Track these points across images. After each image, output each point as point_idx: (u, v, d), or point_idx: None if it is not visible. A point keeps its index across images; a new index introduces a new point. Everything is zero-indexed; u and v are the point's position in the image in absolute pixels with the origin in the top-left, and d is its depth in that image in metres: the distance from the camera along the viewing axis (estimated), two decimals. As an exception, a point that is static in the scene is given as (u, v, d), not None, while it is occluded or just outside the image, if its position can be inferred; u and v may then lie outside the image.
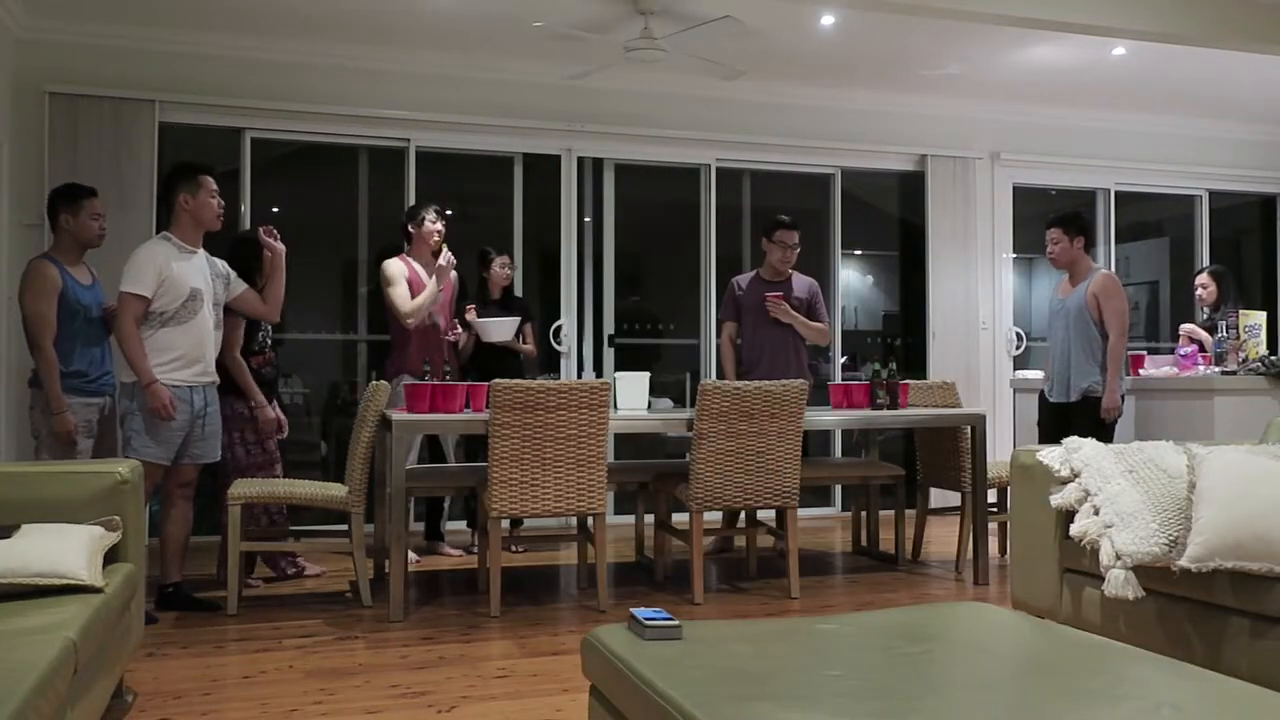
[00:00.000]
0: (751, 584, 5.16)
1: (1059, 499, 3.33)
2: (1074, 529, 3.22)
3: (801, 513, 7.46)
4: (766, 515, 5.71)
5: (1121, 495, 3.13)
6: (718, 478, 4.69)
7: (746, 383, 4.68)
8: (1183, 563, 2.84)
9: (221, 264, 4.73)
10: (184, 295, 4.40)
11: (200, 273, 4.51)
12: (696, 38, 5.69)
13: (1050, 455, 3.44)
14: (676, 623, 2.32)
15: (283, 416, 5.15)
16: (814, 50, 6.65)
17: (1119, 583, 3.03)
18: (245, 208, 6.49)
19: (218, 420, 4.64)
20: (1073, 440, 3.44)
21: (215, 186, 4.59)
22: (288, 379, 7.23)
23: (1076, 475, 3.32)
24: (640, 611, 2.37)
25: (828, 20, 6.09)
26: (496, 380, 4.36)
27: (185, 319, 4.41)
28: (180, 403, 4.38)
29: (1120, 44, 6.43)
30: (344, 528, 4.73)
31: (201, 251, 4.58)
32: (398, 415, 4.52)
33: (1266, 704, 1.89)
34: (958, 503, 5.62)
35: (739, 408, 4.65)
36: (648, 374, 5.19)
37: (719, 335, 6.12)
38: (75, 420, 4.39)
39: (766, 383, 4.70)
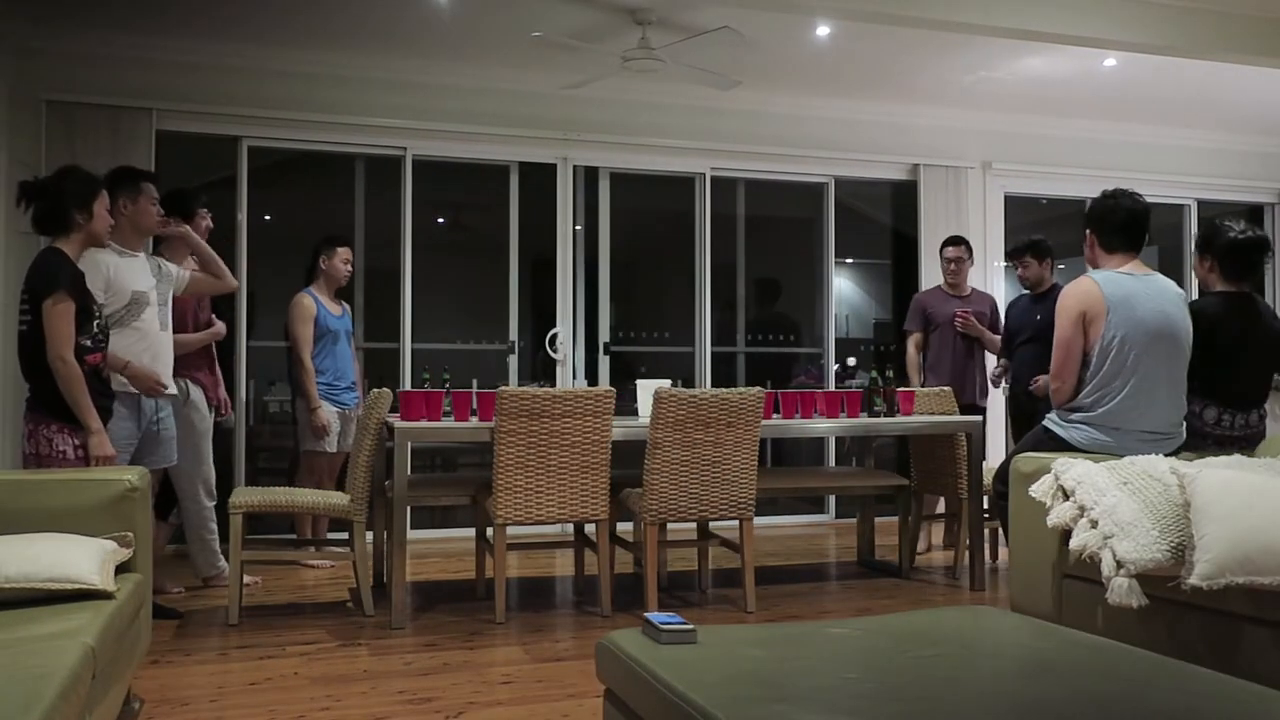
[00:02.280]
0: (708, 598, 5.13)
1: (1054, 518, 3.35)
2: (1073, 544, 3.22)
3: (795, 520, 7.58)
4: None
5: (1119, 506, 3.15)
6: (672, 488, 4.60)
7: (703, 390, 4.63)
8: (1193, 581, 2.85)
9: (160, 261, 4.68)
10: (125, 299, 4.33)
11: (143, 274, 4.46)
12: (693, 48, 5.73)
13: (1039, 488, 3.44)
14: (691, 627, 2.34)
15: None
16: (809, 61, 6.71)
17: (1122, 591, 3.05)
18: (242, 215, 6.50)
19: (172, 425, 4.59)
20: (1062, 462, 3.45)
21: (156, 194, 4.55)
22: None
23: (1070, 495, 3.34)
24: (655, 616, 2.39)
25: (823, 31, 6.14)
26: (503, 388, 4.39)
27: (128, 322, 4.33)
28: (125, 409, 4.27)
29: (1111, 55, 6.50)
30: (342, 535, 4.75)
31: (142, 254, 4.54)
32: (400, 423, 4.54)
33: (1272, 703, 1.93)
34: (946, 509, 5.67)
35: (695, 416, 4.56)
36: (667, 381, 5.20)
37: (901, 343, 6.66)
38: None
39: (724, 391, 4.63)
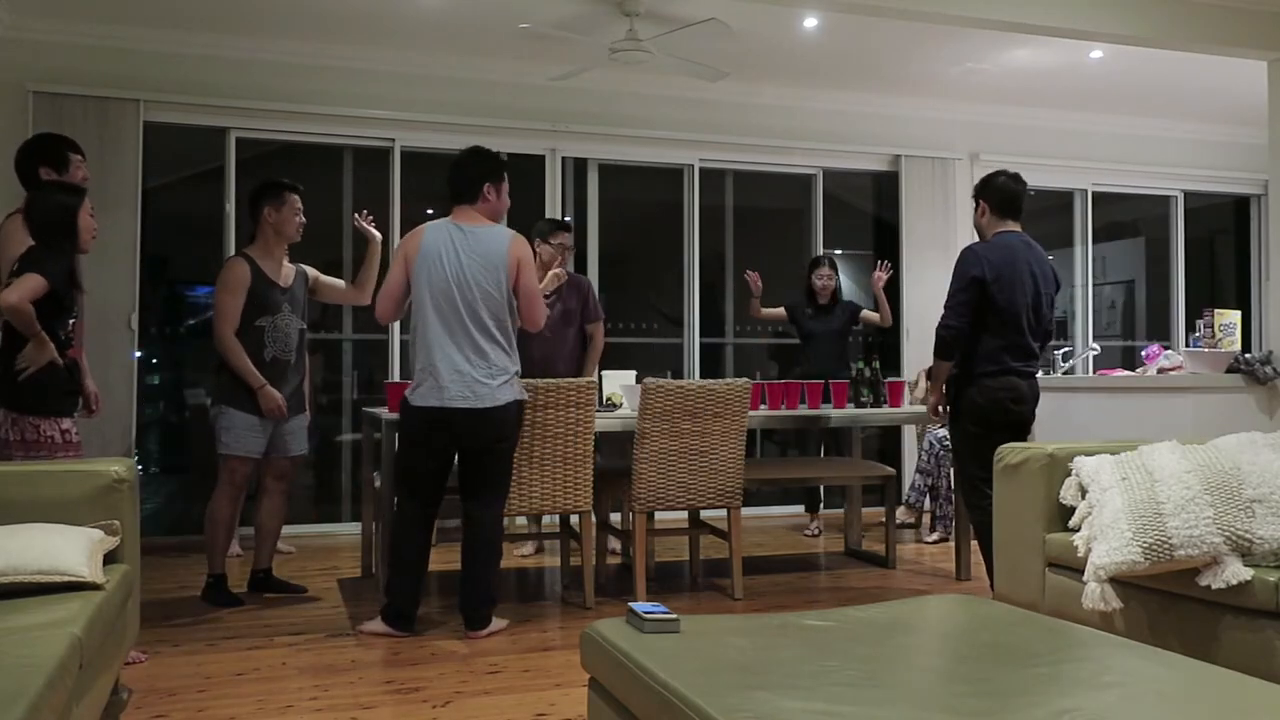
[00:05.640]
0: (699, 587, 5.16)
1: (1074, 520, 3.38)
2: (1076, 540, 3.27)
3: (779, 510, 7.61)
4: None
5: (1106, 506, 3.18)
6: (660, 478, 4.64)
7: (690, 381, 4.66)
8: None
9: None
10: None
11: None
12: (681, 40, 5.74)
13: (1066, 490, 3.48)
14: (675, 616, 2.36)
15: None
16: (797, 53, 6.72)
17: (1094, 596, 3.10)
18: (230, 206, 6.49)
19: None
20: (1079, 460, 3.48)
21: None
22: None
23: (1086, 491, 3.37)
24: (638, 605, 2.41)
25: (811, 23, 6.15)
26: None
27: None
28: None
29: (1098, 47, 6.52)
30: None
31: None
32: (388, 414, 4.55)
33: (1249, 690, 1.96)
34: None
35: (682, 406, 4.59)
36: (633, 373, 5.25)
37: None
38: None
39: (710, 381, 4.67)
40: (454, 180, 4.22)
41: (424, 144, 6.87)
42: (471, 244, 4.09)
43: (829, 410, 5.28)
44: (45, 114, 5.96)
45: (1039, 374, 4.66)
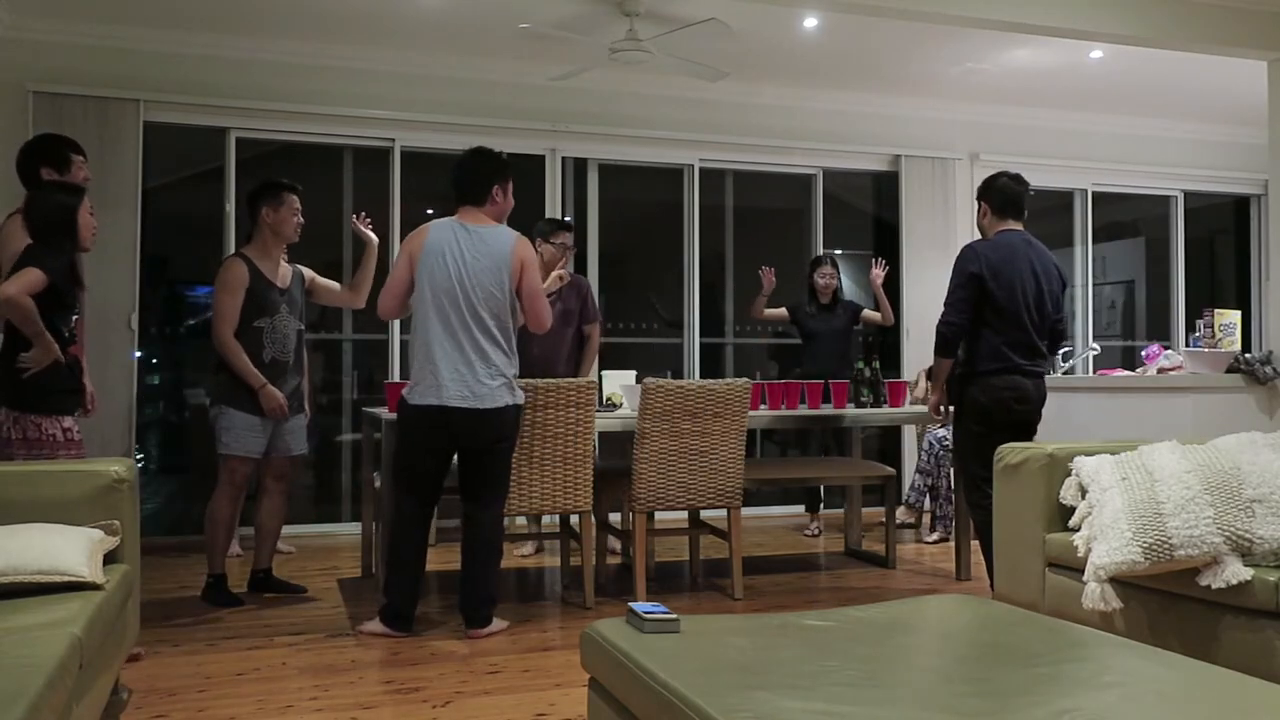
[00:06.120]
0: (698, 587, 5.16)
1: (1074, 520, 3.38)
2: (1076, 540, 3.27)
3: (779, 510, 7.61)
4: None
5: (1106, 506, 3.18)
6: (660, 478, 4.64)
7: (690, 381, 4.66)
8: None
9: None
10: None
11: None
12: (681, 40, 5.74)
13: (1066, 490, 3.48)
14: (675, 616, 2.36)
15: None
16: (797, 53, 6.72)
17: (1094, 596, 3.10)
18: (230, 206, 6.49)
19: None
20: (1079, 460, 3.47)
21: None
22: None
23: (1086, 491, 3.37)
24: (638, 605, 2.41)
25: (811, 23, 6.16)
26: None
27: None
28: None
29: (1098, 47, 6.53)
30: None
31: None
32: (388, 414, 4.55)
33: (1249, 690, 1.96)
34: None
35: (682, 406, 4.60)
36: (634, 372, 5.25)
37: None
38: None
39: (710, 381, 4.67)
40: (459, 181, 4.21)
41: (424, 144, 6.87)
42: (476, 244, 4.09)
43: (841, 410, 5.28)
44: (45, 114, 5.96)
45: None
